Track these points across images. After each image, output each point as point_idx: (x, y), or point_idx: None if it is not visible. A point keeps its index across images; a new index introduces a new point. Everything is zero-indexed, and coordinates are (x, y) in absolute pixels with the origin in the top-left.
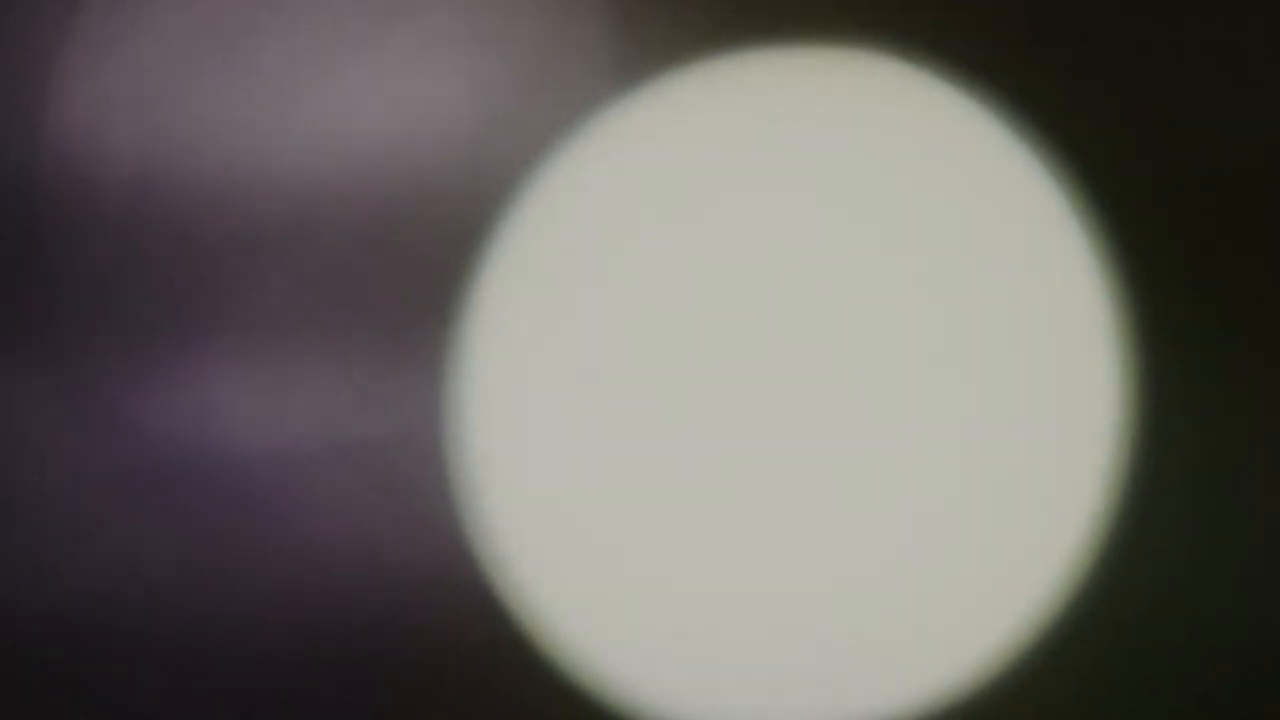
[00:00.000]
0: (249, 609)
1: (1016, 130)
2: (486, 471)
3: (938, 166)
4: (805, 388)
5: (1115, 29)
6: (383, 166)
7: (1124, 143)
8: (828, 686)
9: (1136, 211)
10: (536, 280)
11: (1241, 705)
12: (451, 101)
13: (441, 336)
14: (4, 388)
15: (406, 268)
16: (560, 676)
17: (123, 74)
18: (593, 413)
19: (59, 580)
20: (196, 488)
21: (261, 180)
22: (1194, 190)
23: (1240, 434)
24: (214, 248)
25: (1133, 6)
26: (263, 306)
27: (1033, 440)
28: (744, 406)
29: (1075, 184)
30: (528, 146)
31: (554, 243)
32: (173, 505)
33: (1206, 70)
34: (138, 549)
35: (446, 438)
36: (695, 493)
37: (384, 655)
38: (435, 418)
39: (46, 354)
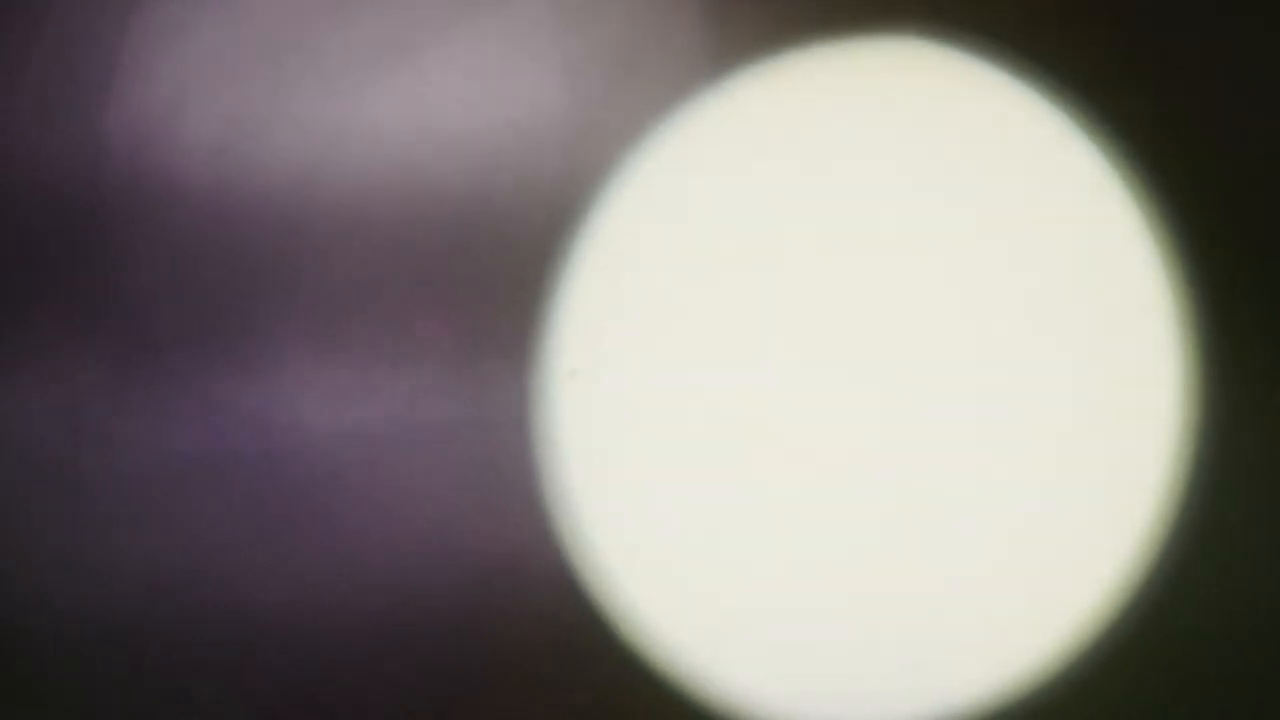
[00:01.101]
0: (327, 591)
1: (1089, 126)
2: (569, 455)
3: (1016, 160)
4: (875, 379)
5: (1179, 14)
6: (471, 151)
7: (1190, 132)
8: (892, 683)
9: (1201, 204)
10: (623, 266)
11: None
12: (541, 87)
13: (527, 320)
14: (83, 372)
15: (493, 252)
16: (640, 661)
17: (209, 54)
18: (679, 399)
19: (135, 563)
20: (274, 469)
21: (348, 163)
22: (1260, 181)
23: None
24: (298, 230)
25: None
26: (346, 287)
27: (1095, 436)
28: (821, 395)
29: (1140, 177)
30: (618, 133)
31: (642, 228)
32: (250, 487)
33: (1270, 54)
34: (213, 531)
35: (530, 421)
36: (776, 480)
37: (463, 639)
38: (519, 400)
39: (124, 337)
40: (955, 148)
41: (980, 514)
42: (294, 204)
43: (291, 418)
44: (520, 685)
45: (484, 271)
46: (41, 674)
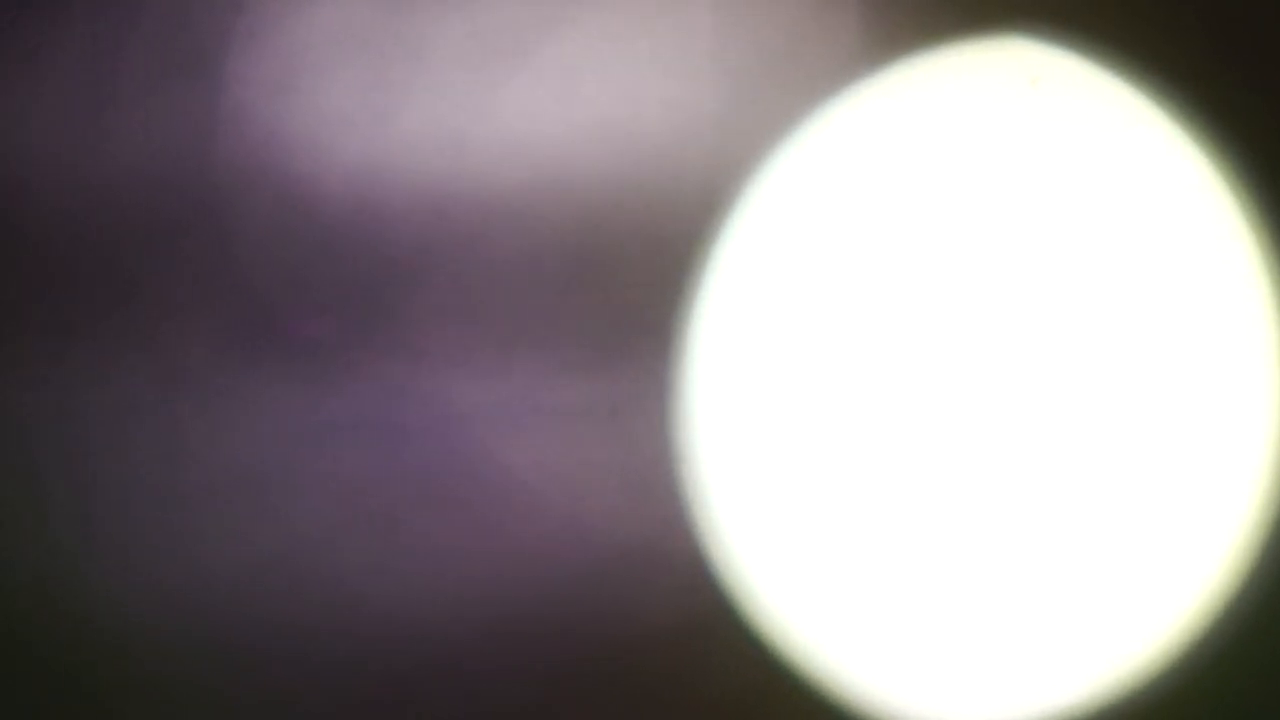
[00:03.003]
0: (455, 567)
1: (1200, 129)
2: (706, 441)
3: (1151, 173)
4: (995, 375)
5: None
6: (622, 135)
7: None
8: (1001, 680)
9: None
10: (767, 255)
11: None
12: (694, 73)
13: (670, 306)
14: (221, 345)
15: (639, 236)
16: (768, 649)
17: (362, 25)
18: (815, 397)
19: (266, 536)
20: (409, 443)
21: (496, 143)
22: None
23: None
24: (444, 208)
25: None
26: (490, 266)
27: (1193, 440)
28: (941, 398)
29: (1248, 179)
30: (767, 124)
31: (787, 219)
32: (385, 459)
33: None
34: (348, 504)
35: (669, 406)
36: (908, 473)
37: (593, 621)
38: (659, 385)
39: (264, 312)
40: (1079, 152)
41: (1094, 514)
42: (443, 182)
43: (429, 392)
44: (648, 669)
45: (629, 256)
46: (163, 651)
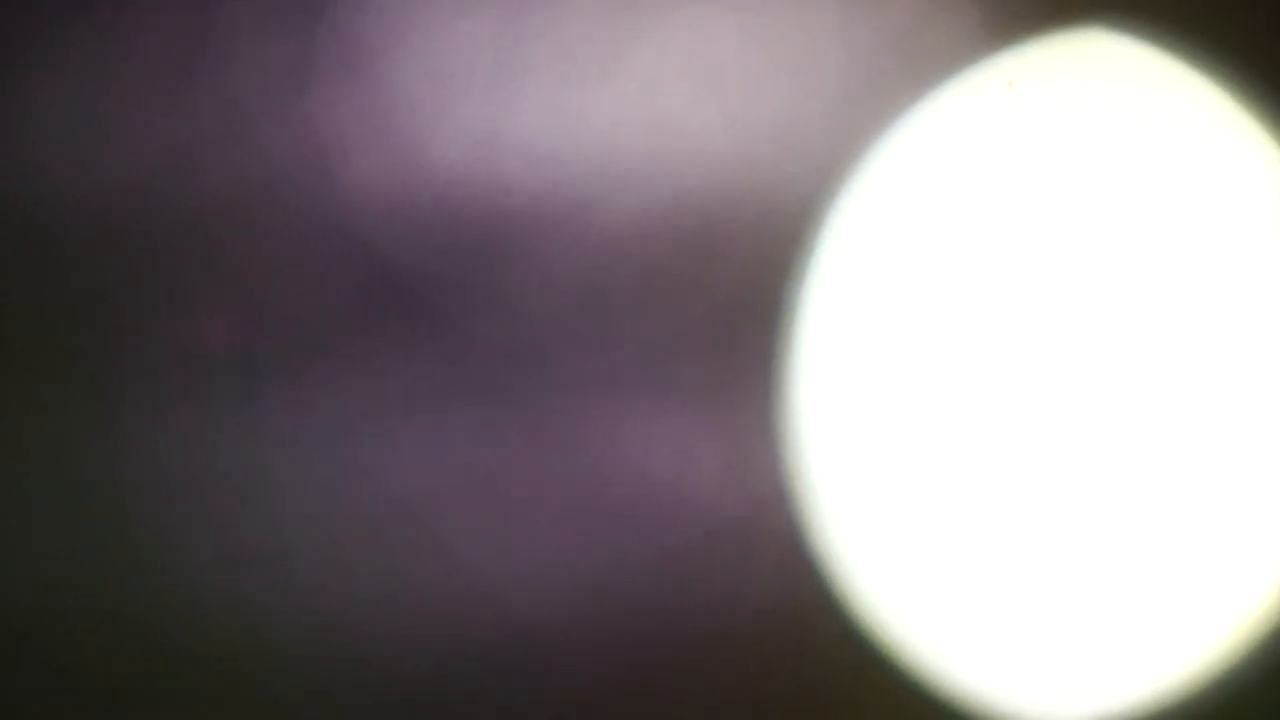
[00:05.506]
0: (561, 544)
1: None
2: (810, 425)
3: (1242, 173)
4: (1077, 374)
5: None
6: (738, 120)
7: None
8: (1091, 677)
9: None
10: (874, 242)
11: None
12: (813, 59)
13: (776, 296)
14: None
15: (751, 219)
16: (862, 633)
17: (460, 31)
18: (922, 382)
19: (382, 491)
20: (511, 409)
21: (609, 142)
22: None
23: None
24: (560, 190)
25: None
26: (604, 246)
27: (1257, 440)
28: (1043, 389)
29: None
30: (883, 111)
31: (894, 206)
32: (492, 436)
33: None
34: (453, 477)
35: (776, 387)
36: (997, 470)
37: (692, 600)
38: (766, 367)
39: (387, 309)
40: (1173, 147)
41: (1175, 514)
42: (559, 151)
43: (536, 360)
44: (743, 648)
45: (742, 232)
46: (270, 634)
